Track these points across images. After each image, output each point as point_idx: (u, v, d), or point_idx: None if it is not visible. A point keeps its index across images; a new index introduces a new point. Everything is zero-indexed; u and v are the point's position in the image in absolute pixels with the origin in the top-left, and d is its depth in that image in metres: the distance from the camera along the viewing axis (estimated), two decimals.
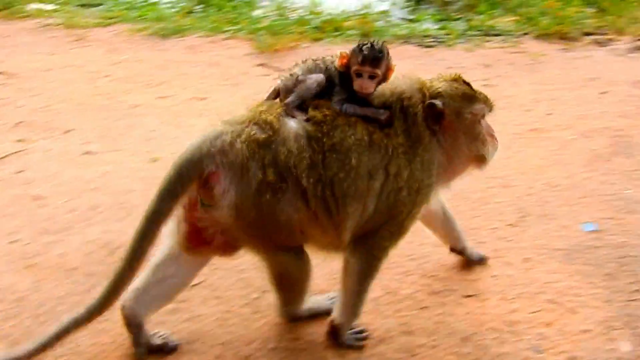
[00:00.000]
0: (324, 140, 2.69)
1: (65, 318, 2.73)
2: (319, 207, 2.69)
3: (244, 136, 2.64)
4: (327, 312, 3.03)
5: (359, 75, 2.79)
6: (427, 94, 2.85)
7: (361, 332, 3.04)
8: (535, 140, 4.94)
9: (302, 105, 2.79)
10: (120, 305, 2.84)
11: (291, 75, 2.85)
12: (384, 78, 2.85)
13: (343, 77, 2.83)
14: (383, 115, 2.77)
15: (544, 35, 7.01)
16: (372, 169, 2.72)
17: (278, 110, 2.77)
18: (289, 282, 2.91)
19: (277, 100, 2.86)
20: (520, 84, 5.92)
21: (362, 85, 2.79)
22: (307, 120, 2.74)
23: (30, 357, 2.69)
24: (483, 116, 2.94)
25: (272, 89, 2.91)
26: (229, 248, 2.83)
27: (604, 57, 6.54)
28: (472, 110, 2.90)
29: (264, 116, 2.71)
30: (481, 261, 3.49)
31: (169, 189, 2.62)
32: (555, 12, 7.35)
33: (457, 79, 2.95)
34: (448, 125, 2.86)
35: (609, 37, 6.98)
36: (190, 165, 2.61)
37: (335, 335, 2.96)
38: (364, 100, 2.81)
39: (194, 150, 2.62)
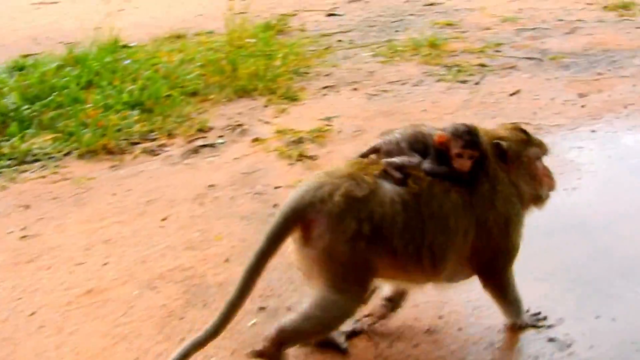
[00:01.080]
0: (423, 209, 3.13)
1: (186, 342, 3.21)
2: (408, 262, 3.16)
3: (342, 190, 3.07)
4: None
5: (460, 156, 3.21)
6: (492, 138, 3.33)
7: (538, 314, 3.64)
8: (93, 307, 4.01)
9: (401, 169, 3.16)
10: None
11: (395, 142, 3.22)
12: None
13: (438, 152, 3.22)
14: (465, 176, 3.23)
15: (90, 153, 6.11)
16: (468, 227, 3.22)
17: (375, 170, 3.18)
18: (325, 323, 3.21)
19: (376, 158, 3.25)
20: (68, 227, 4.95)
21: (463, 164, 3.22)
22: (404, 183, 3.13)
23: None
24: (538, 159, 3.42)
25: (372, 146, 3.31)
26: (304, 274, 3.30)
27: (158, 169, 5.87)
28: (527, 153, 3.38)
29: (362, 174, 3.14)
30: None
31: (276, 232, 3.11)
32: (96, 122, 6.48)
33: (516, 128, 3.48)
34: (511, 165, 3.32)
35: (160, 142, 6.36)
36: (294, 213, 3.09)
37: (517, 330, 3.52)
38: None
39: (298, 200, 3.10)
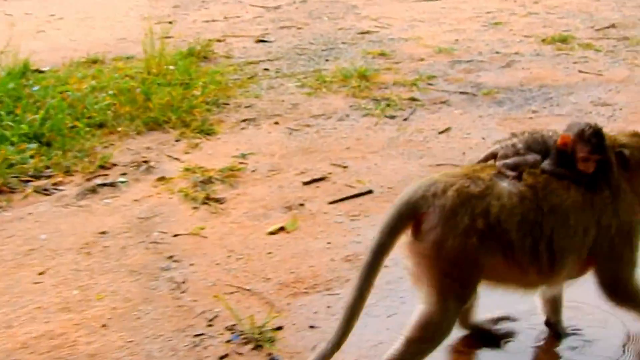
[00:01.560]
0: (542, 202, 3.11)
1: (311, 355, 3.16)
2: (524, 259, 3.12)
3: (456, 186, 3.09)
4: None
5: (586, 160, 3.18)
6: (614, 145, 3.28)
7: None
8: None
9: (515, 169, 3.16)
10: None
11: (512, 145, 3.23)
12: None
13: (560, 153, 3.22)
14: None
15: None
16: (588, 225, 3.19)
17: (491, 171, 3.20)
18: (437, 334, 3.17)
19: (491, 162, 3.28)
20: None
21: (588, 167, 3.19)
22: (519, 179, 3.13)
23: None
24: None
25: (489, 151, 3.33)
26: (413, 277, 3.23)
27: (48, 211, 5.27)
28: None
29: (477, 174, 3.17)
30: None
31: (391, 225, 3.13)
32: None
33: (636, 134, 3.41)
34: (632, 173, 3.27)
35: (56, 180, 5.75)
36: (408, 206, 3.13)
37: None
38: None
39: (411, 194, 3.15)
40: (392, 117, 6.84)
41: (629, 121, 6.52)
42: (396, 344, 3.21)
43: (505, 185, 3.13)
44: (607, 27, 9.61)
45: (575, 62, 8.28)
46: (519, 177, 3.16)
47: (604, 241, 3.24)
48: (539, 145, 3.27)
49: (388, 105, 7.10)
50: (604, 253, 3.27)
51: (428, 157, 5.99)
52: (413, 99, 7.26)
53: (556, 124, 6.29)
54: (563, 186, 3.18)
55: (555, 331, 3.69)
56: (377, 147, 6.22)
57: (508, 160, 3.21)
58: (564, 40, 9.06)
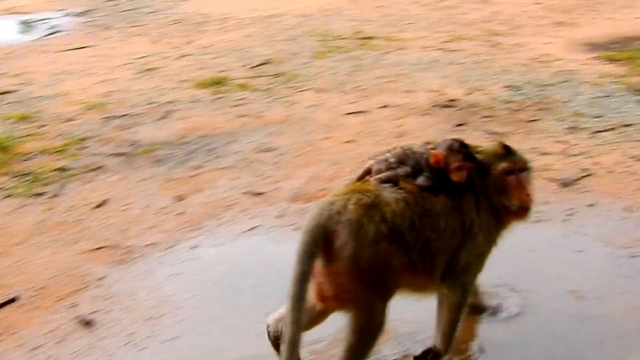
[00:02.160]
0: (417, 207, 3.41)
1: None
2: (417, 258, 3.41)
3: (353, 200, 3.33)
4: None
5: (460, 169, 3.50)
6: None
7: None
8: None
9: (389, 182, 3.45)
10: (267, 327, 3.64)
11: (385, 160, 3.54)
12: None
13: (434, 170, 3.51)
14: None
15: None
16: (455, 228, 3.50)
17: (372, 184, 3.48)
18: (372, 334, 3.40)
19: (368, 177, 3.57)
20: None
21: (462, 177, 3.51)
22: (398, 187, 3.43)
23: None
24: (509, 173, 3.60)
25: (365, 167, 3.61)
26: (337, 301, 3.38)
27: None
28: (498, 167, 3.60)
29: (363, 187, 3.46)
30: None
31: (309, 251, 3.24)
32: None
33: (497, 144, 3.73)
34: (489, 180, 3.59)
35: None
36: (319, 229, 3.27)
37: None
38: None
39: (317, 217, 3.30)
40: (39, 194, 5.95)
41: (294, 165, 6.33)
42: (339, 351, 3.43)
43: (389, 192, 3.43)
44: (261, 64, 9.54)
45: (233, 106, 8.00)
46: (396, 186, 3.46)
47: (468, 239, 3.56)
48: (410, 159, 3.57)
49: (33, 180, 6.18)
50: (465, 250, 3.56)
51: (84, 240, 5.22)
52: (63, 169, 6.41)
53: (222, 179, 5.94)
54: (433, 193, 3.50)
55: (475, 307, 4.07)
56: (21, 236, 5.30)
57: (381, 175, 3.51)
58: (220, 82, 8.78)
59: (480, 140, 6.54)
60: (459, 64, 9.29)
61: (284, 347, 3.20)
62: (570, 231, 5.08)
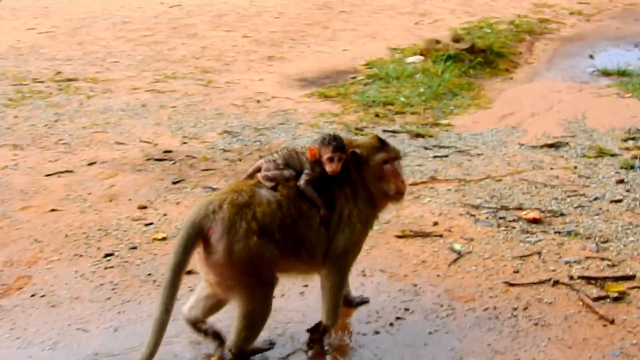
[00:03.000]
0: (292, 208, 3.79)
1: None
2: (289, 253, 3.79)
3: (228, 200, 3.72)
4: (267, 349, 4.04)
5: (332, 160, 3.87)
6: (350, 146, 4.00)
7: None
8: None
9: (273, 180, 3.84)
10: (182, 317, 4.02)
11: (273, 160, 3.90)
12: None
13: (312, 163, 3.90)
14: (322, 212, 3.85)
15: None
16: (332, 222, 3.88)
17: (252, 183, 3.87)
18: (257, 319, 3.83)
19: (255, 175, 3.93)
20: None
21: (334, 167, 3.88)
22: (275, 190, 3.81)
23: None
24: (386, 162, 4.01)
25: (256, 165, 3.97)
26: (223, 289, 3.83)
27: None
28: (375, 157, 4.00)
29: (241, 187, 3.84)
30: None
31: (184, 245, 3.68)
32: None
33: (372, 137, 4.13)
34: (365, 170, 3.98)
35: None
36: (194, 226, 3.69)
37: (323, 335, 4.04)
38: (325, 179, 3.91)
39: (194, 215, 3.71)
40: None
41: None
42: (230, 336, 3.87)
43: (264, 194, 3.80)
44: None
45: None
46: (274, 188, 3.82)
47: (346, 227, 3.90)
48: (295, 161, 3.92)
49: None
50: (343, 237, 3.90)
51: None
52: None
53: None
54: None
55: (346, 300, 4.33)
56: None
57: (268, 173, 3.86)
58: None
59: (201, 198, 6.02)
60: (171, 107, 8.72)
61: (151, 329, 3.62)
62: None
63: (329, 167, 3.89)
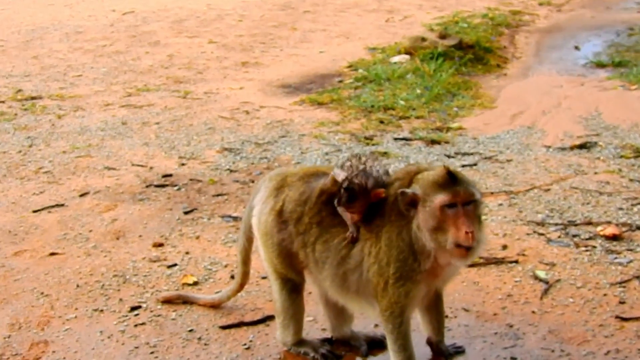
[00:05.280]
0: (315, 212, 3.54)
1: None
2: (301, 253, 3.59)
3: (285, 176, 3.74)
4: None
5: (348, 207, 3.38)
6: (408, 181, 3.31)
7: None
8: None
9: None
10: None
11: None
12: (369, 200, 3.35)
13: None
14: (352, 233, 3.38)
15: None
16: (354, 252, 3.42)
17: (318, 172, 3.69)
18: (280, 310, 3.80)
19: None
20: None
21: (354, 218, 3.38)
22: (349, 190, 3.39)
23: None
24: (448, 206, 3.11)
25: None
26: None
27: None
28: (434, 198, 3.15)
29: (308, 172, 3.74)
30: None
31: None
32: None
33: (441, 170, 3.22)
34: (414, 211, 3.23)
35: None
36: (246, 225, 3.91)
37: None
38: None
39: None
40: None
41: None
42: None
43: (304, 186, 3.61)
44: None
45: None
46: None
47: (369, 267, 3.37)
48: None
49: None
50: (367, 280, 3.41)
51: None
52: None
53: None
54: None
55: (438, 350, 3.70)
56: None
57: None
58: None
59: (222, 230, 5.29)
60: (155, 124, 7.93)
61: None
62: None
63: (347, 216, 3.43)
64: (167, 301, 4.37)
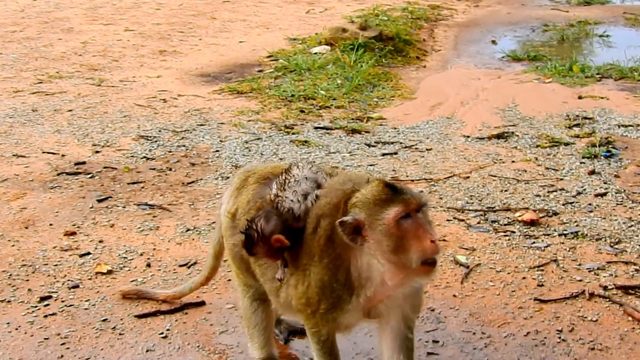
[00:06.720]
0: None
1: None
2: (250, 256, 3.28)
3: (252, 174, 3.48)
4: None
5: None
6: (342, 209, 2.90)
7: None
8: None
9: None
10: None
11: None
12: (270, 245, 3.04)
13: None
14: (279, 276, 3.10)
15: None
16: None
17: (277, 172, 3.28)
18: (244, 315, 3.59)
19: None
20: None
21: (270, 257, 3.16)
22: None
23: None
24: (404, 217, 2.77)
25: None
26: None
27: None
28: (386, 214, 2.79)
29: (273, 171, 3.39)
30: None
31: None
32: None
33: (377, 184, 2.89)
34: (362, 236, 2.83)
35: None
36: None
37: None
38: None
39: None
40: None
41: None
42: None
43: (260, 192, 3.31)
44: None
45: None
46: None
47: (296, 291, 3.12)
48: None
49: None
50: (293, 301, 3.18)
51: None
52: None
53: None
54: None
55: None
56: None
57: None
58: None
59: (138, 218, 5.12)
60: (68, 111, 7.63)
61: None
62: None
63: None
64: (126, 296, 4.12)
